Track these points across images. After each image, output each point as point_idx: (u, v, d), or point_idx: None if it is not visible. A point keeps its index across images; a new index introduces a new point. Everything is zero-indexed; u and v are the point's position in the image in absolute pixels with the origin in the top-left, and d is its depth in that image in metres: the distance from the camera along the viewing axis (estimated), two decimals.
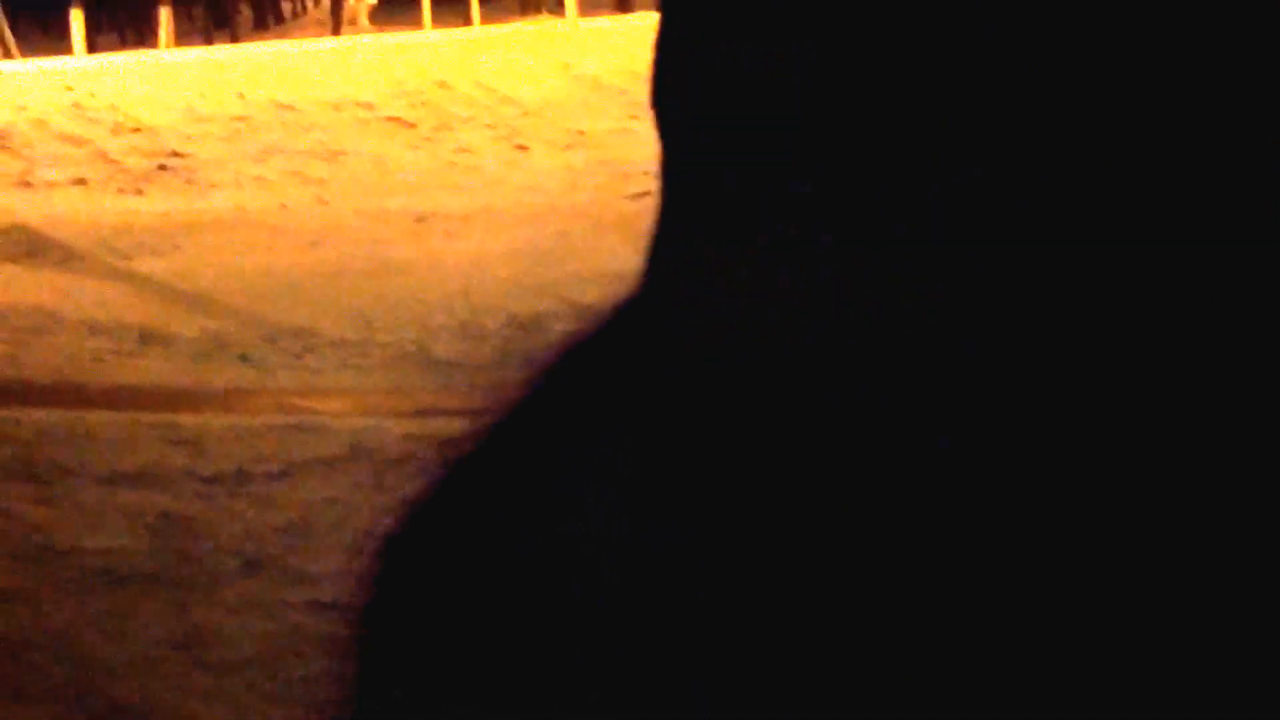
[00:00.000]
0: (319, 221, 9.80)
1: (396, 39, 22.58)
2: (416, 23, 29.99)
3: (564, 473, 0.51)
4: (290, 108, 14.60)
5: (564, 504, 0.49)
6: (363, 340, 6.35)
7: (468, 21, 30.67)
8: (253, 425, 5.10)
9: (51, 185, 11.24)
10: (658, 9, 0.44)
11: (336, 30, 30.63)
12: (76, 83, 15.65)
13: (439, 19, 30.37)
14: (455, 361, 5.99)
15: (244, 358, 6.13)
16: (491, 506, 0.52)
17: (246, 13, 37.10)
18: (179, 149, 12.71)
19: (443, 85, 16.16)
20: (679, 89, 0.42)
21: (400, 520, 0.52)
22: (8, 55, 19.86)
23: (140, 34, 26.51)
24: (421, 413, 5.29)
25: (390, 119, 14.60)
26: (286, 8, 43.34)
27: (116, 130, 13.49)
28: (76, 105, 14.59)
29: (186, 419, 5.23)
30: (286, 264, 8.26)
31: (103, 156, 12.48)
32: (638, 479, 0.45)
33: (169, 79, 16.06)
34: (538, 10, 33.04)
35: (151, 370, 5.98)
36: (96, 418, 5.25)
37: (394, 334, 6.44)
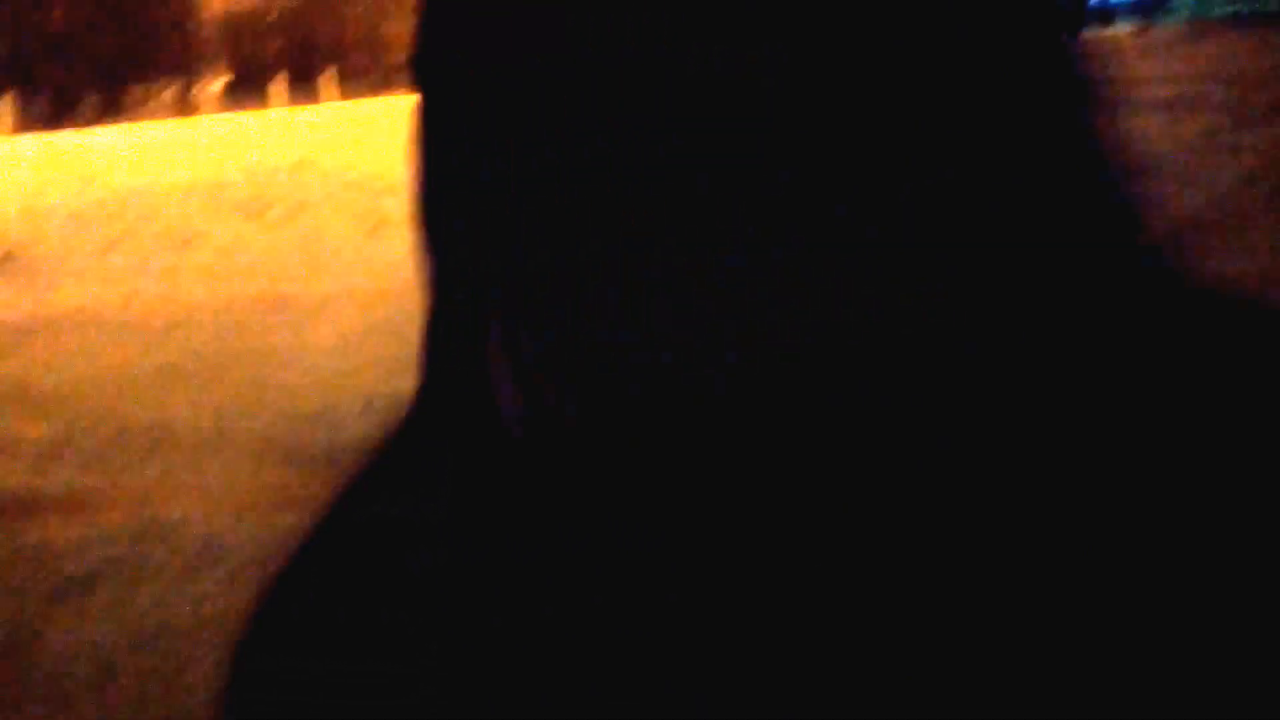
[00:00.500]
0: (169, 312, 9.58)
1: (248, 121, 22.41)
2: (269, 103, 29.76)
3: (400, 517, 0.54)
4: (137, 195, 14.32)
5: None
6: (217, 434, 6.21)
7: (322, 100, 30.55)
8: (101, 530, 4.93)
9: None
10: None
11: (185, 114, 30.26)
12: None
13: (292, 99, 30.18)
14: (313, 450, 5.89)
15: (91, 459, 5.95)
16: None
17: (91, 99, 36.37)
18: (18, 244, 12.35)
19: (297, 166, 16.04)
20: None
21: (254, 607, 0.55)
22: None
23: None
24: (279, 506, 5.18)
25: (243, 203, 14.42)
26: (132, 91, 42.59)
27: None
28: None
29: (30, 527, 5.05)
30: (135, 358, 8.05)
31: None
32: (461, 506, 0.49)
33: (8, 170, 15.64)
34: (396, 88, 33.09)
35: None
36: None
37: (249, 425, 6.31)
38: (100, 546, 4.75)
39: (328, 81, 31.49)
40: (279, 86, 30.78)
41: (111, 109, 36.53)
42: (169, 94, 38.66)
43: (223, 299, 10.00)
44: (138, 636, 4.00)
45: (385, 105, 25.76)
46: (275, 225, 13.66)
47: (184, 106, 31.47)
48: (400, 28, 32.41)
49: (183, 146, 17.16)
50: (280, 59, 31.62)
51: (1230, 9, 66.40)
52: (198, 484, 5.56)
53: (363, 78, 37.07)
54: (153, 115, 32.74)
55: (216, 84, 35.24)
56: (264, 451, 5.93)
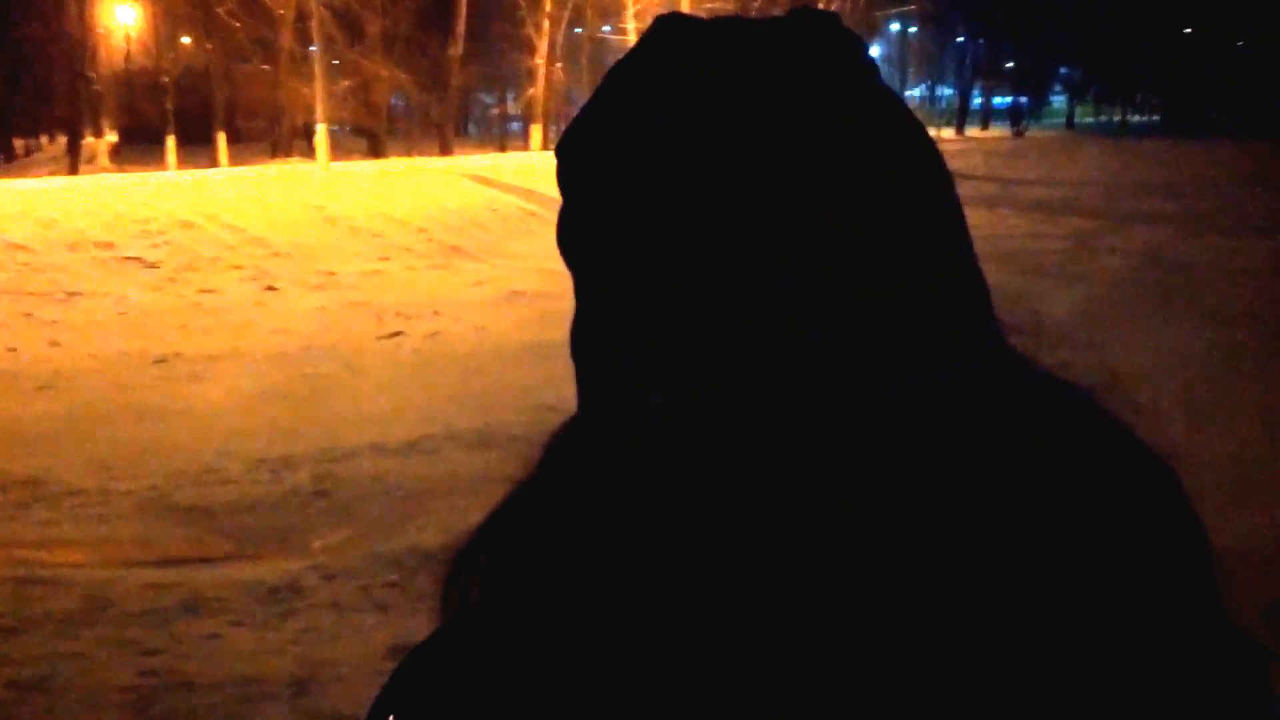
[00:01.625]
0: (51, 365, 9.37)
1: (139, 179, 21.97)
2: (161, 163, 29.29)
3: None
4: (23, 248, 13.95)
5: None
6: (100, 488, 6.10)
7: (215, 163, 30.15)
8: None
9: None
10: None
11: (74, 169, 29.61)
12: None
13: (185, 160, 29.75)
14: (198, 508, 5.82)
15: None
16: None
17: None
18: None
19: (188, 225, 15.79)
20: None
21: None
22: None
23: None
24: (163, 562, 5.12)
25: (131, 259, 14.16)
26: (19, 144, 41.47)
27: None
28: None
29: None
30: (15, 410, 7.86)
31: None
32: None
33: None
34: (288, 153, 32.83)
35: None
36: None
37: (133, 481, 6.21)
38: None
39: (223, 144, 31.12)
40: (172, 146, 30.35)
41: None
42: (57, 147, 37.75)
43: (110, 354, 9.80)
44: (17, 686, 3.92)
45: (277, 169, 25.56)
46: (163, 283, 13.43)
47: (72, 161, 30.79)
48: (295, 94, 32.28)
49: (71, 202, 16.75)
50: (172, 119, 31.18)
51: (1096, 119, 69.33)
52: (79, 538, 5.45)
53: (256, 141, 36.67)
54: (39, 169, 31.97)
55: (106, 142, 34.60)
56: (148, 507, 5.83)
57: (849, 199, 0.55)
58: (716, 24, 0.60)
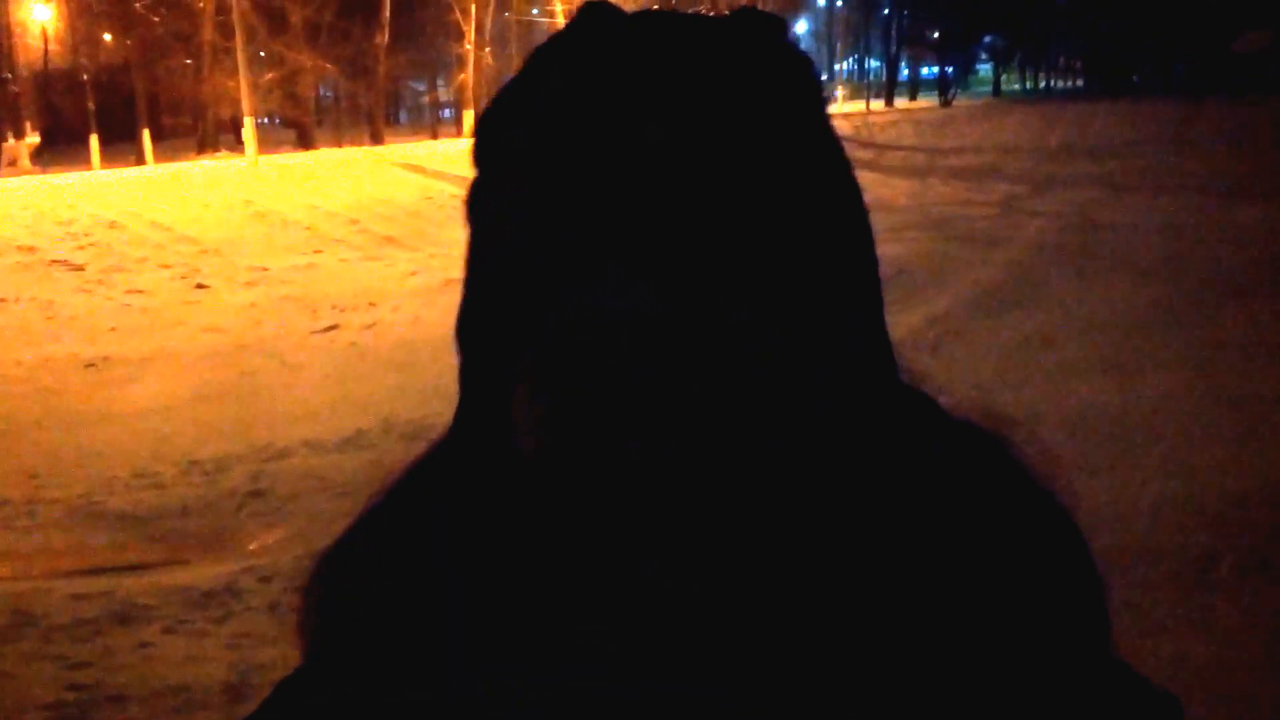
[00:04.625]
0: None
1: (62, 180, 21.55)
2: (84, 162, 28.74)
3: None
4: None
5: None
6: (27, 498, 5.97)
7: (140, 160, 29.63)
8: None
9: None
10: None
11: None
12: None
13: (109, 158, 29.21)
14: (130, 514, 5.71)
15: None
16: None
17: None
18: None
19: (114, 225, 15.54)
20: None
21: None
22: None
23: None
24: (92, 571, 5.01)
25: (56, 262, 13.91)
26: None
27: None
28: None
29: None
30: None
31: None
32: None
33: None
34: (215, 148, 32.35)
35: None
36: None
37: (63, 489, 6.09)
38: None
39: (148, 142, 30.57)
40: (95, 145, 29.77)
41: None
42: None
43: (37, 360, 9.58)
44: None
45: (204, 165, 25.18)
46: (90, 285, 13.19)
47: None
48: (219, 88, 31.77)
49: None
50: (95, 118, 30.57)
51: (1022, 86, 70.16)
52: (5, 550, 5.32)
53: (181, 137, 36.06)
54: None
55: (27, 144, 33.84)
56: (78, 516, 5.71)
57: (763, 226, 0.50)
58: (648, 16, 0.55)
